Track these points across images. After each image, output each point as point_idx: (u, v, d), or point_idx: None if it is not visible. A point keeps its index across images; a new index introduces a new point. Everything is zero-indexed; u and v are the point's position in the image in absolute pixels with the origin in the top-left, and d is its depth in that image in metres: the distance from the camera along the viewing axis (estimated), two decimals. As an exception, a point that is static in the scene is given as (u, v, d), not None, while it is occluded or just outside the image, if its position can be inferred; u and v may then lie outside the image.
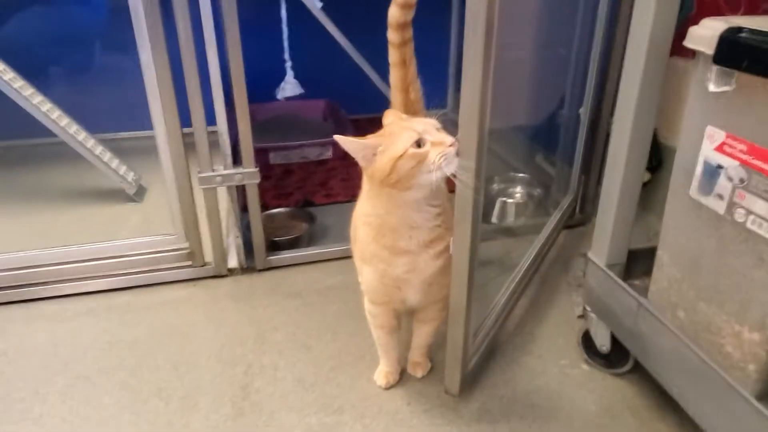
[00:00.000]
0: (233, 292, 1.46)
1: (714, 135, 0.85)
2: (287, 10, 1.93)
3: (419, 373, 1.16)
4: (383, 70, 1.99)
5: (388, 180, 0.88)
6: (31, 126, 1.74)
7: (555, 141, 1.81)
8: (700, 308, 0.93)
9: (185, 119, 1.32)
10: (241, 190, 1.46)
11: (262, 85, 1.73)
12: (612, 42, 1.49)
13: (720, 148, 0.84)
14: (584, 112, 1.59)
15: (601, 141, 1.64)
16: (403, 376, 1.16)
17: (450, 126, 0.93)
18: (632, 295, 1.00)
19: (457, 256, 0.94)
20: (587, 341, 1.18)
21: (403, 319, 1.16)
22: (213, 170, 1.38)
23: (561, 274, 1.51)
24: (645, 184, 1.56)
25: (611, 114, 1.60)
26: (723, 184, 0.84)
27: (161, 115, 1.30)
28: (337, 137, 0.88)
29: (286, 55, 1.97)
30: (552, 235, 1.54)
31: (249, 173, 1.39)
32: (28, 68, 1.79)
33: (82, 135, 1.83)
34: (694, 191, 0.90)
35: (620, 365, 1.14)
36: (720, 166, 0.84)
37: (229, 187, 1.44)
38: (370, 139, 0.90)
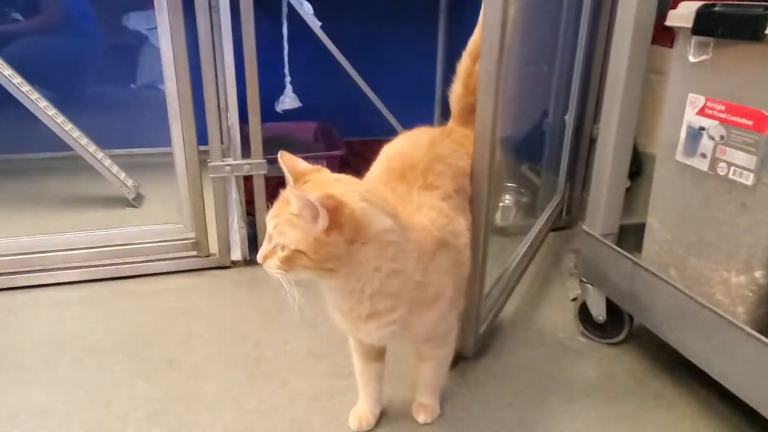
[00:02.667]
0: (237, 281, 1.49)
1: (695, 101, 0.96)
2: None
3: (421, 418, 1.00)
4: (380, 92, 2.10)
5: None
6: (41, 140, 1.89)
7: (540, 151, 1.92)
8: (690, 263, 1.01)
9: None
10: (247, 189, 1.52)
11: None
12: (593, 53, 1.64)
13: (701, 112, 0.95)
14: (569, 118, 1.71)
15: (585, 147, 1.76)
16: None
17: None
18: (627, 256, 1.08)
19: (475, 218, 1.00)
20: (583, 314, 1.24)
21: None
22: (223, 161, 1.44)
23: (552, 268, 1.58)
24: (626, 191, 1.68)
25: (594, 121, 1.72)
26: (705, 144, 0.95)
27: (176, 97, 1.37)
28: None
29: (286, 70, 2.07)
30: (544, 228, 1.62)
31: (258, 164, 1.45)
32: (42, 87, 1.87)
33: (84, 140, 1.88)
34: (679, 155, 1.00)
35: (615, 335, 1.21)
36: (702, 128, 0.95)
37: (236, 180, 1.49)
38: None
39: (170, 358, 1.16)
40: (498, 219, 1.84)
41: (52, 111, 1.79)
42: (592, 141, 1.75)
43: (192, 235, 1.49)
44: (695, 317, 0.95)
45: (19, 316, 1.29)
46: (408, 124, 1.16)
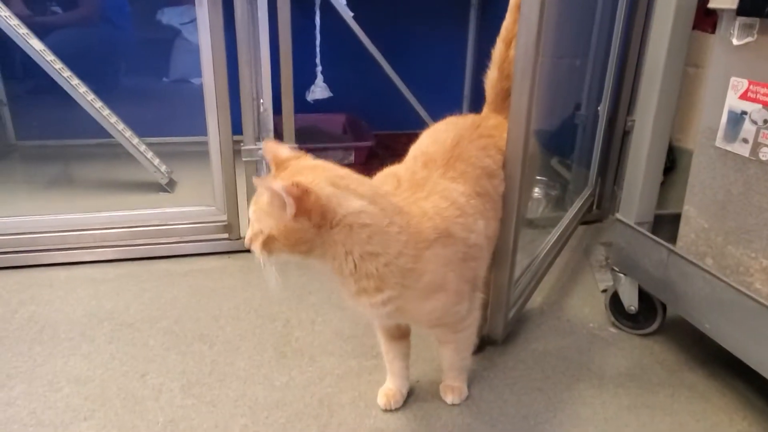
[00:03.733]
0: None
1: (738, 85, 0.94)
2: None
3: (449, 398, 1.01)
4: (410, 84, 2.10)
5: None
6: (81, 127, 1.94)
7: (571, 144, 1.90)
8: (728, 252, 0.99)
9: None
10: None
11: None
12: (629, 42, 1.61)
13: (744, 95, 0.93)
14: (602, 109, 1.69)
15: (618, 140, 1.73)
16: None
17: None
18: (663, 244, 1.06)
19: (508, 202, 1.00)
20: (614, 304, 1.23)
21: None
22: (256, 144, 1.46)
23: (582, 260, 1.57)
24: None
25: (628, 113, 1.70)
26: (747, 129, 0.93)
27: (213, 86, 1.39)
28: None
29: (318, 60, 2.08)
30: (574, 220, 1.60)
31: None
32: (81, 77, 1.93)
33: (120, 126, 1.93)
34: (719, 140, 0.98)
35: (647, 325, 1.19)
36: (744, 113, 0.93)
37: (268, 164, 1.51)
38: None
39: (202, 335, 1.18)
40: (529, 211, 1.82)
41: (90, 96, 1.85)
42: (626, 134, 1.73)
43: (224, 217, 1.52)
44: (733, 306, 0.93)
45: (58, 291, 1.33)
46: (437, 118, 1.15)
